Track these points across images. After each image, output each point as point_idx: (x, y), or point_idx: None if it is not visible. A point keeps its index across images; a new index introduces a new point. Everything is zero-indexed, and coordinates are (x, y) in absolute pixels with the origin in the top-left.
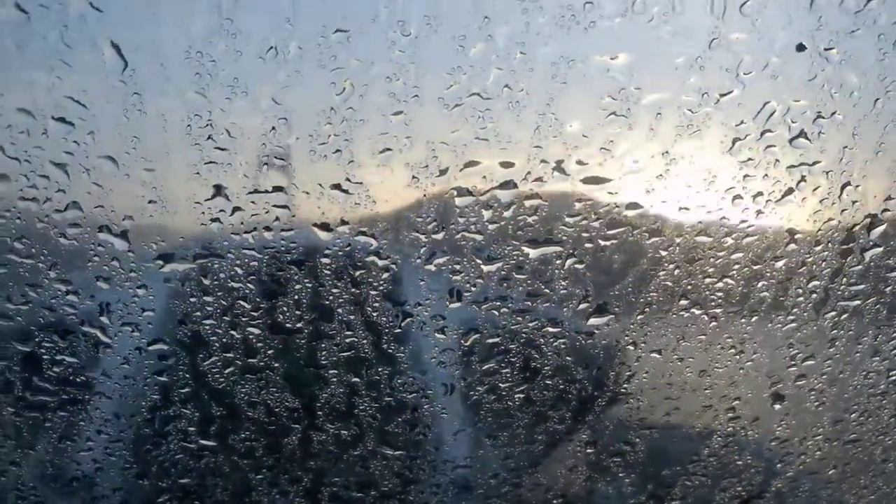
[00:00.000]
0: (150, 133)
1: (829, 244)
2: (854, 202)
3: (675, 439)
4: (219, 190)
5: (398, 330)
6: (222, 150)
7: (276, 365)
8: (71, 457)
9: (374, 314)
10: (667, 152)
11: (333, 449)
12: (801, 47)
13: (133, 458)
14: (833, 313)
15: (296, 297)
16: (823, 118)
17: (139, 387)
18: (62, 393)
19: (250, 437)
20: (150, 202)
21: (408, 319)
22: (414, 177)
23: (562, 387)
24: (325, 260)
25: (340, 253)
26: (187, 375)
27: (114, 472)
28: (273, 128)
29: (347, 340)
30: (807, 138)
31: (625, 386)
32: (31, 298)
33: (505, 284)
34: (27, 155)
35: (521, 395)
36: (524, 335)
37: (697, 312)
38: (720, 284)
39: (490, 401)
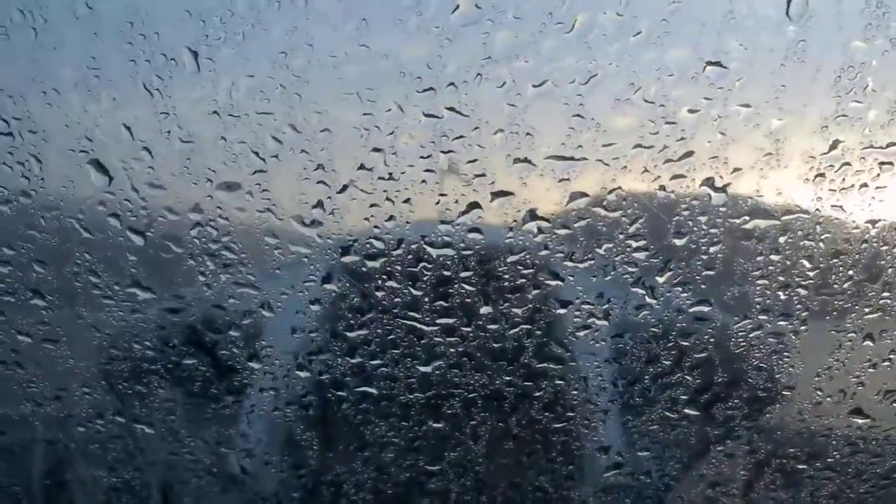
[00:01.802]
0: None
1: None
2: None
3: (842, 444)
4: None
5: None
6: None
7: None
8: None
9: None
10: None
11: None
12: None
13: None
14: None
15: None
16: None
17: None
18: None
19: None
20: None
21: None
22: None
23: (734, 391)
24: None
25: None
26: None
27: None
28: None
29: None
30: None
31: (791, 389)
32: None
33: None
34: None
35: (689, 398)
36: (700, 340)
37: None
38: None
39: (661, 403)
